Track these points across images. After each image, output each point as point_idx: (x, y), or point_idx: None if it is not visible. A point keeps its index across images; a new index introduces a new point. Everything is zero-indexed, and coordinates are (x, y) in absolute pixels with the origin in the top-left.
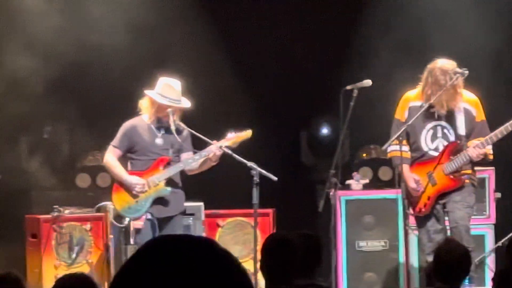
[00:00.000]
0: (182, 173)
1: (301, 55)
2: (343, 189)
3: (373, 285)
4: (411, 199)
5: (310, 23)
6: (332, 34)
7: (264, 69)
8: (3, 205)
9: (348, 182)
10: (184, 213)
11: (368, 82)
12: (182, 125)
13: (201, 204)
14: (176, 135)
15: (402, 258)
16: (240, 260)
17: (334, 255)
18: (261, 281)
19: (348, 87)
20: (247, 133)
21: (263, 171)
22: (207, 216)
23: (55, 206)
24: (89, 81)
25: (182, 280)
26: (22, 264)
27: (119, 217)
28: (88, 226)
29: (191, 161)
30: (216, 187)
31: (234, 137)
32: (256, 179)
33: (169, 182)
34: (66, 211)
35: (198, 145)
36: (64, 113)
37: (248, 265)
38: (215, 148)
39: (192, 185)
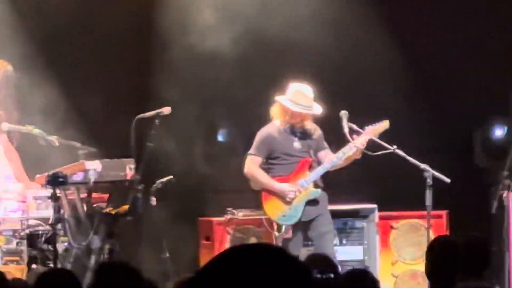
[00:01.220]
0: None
1: (474, 54)
2: None
3: None
4: None
5: (484, 21)
6: (508, 32)
7: (436, 69)
8: (177, 208)
9: None
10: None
11: None
12: (314, 125)
13: (375, 206)
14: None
15: None
16: (413, 262)
17: (508, 257)
18: None
19: None
20: (385, 124)
21: (436, 173)
22: (380, 218)
23: (228, 209)
24: (266, 80)
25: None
26: (195, 267)
27: (278, 226)
28: (261, 228)
29: (336, 160)
30: (390, 189)
31: (373, 130)
32: (429, 181)
33: (315, 184)
34: (240, 214)
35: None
36: (238, 116)
37: (422, 267)
38: (359, 144)
39: (366, 187)
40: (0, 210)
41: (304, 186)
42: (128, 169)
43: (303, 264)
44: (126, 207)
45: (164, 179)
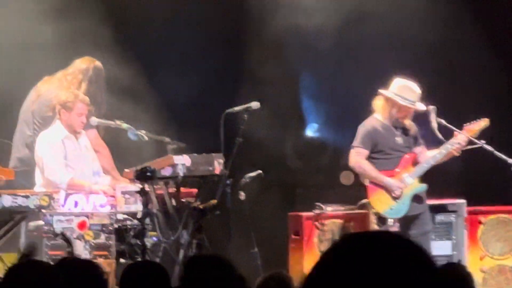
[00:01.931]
0: None
1: None
2: None
3: None
4: None
5: None
6: None
7: None
8: (266, 202)
9: None
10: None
11: None
12: (410, 121)
13: (464, 201)
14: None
15: None
16: (501, 257)
17: None
18: None
19: None
20: (485, 122)
21: None
22: (469, 213)
23: (317, 203)
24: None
25: (378, 276)
26: (285, 261)
27: (381, 219)
28: (351, 223)
29: (439, 155)
30: (478, 184)
31: (473, 128)
32: None
33: (420, 178)
34: (329, 208)
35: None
36: (330, 111)
37: (510, 262)
38: (461, 141)
39: (454, 182)
40: (89, 205)
41: (410, 180)
42: (217, 164)
43: (427, 252)
44: (214, 201)
45: (253, 174)
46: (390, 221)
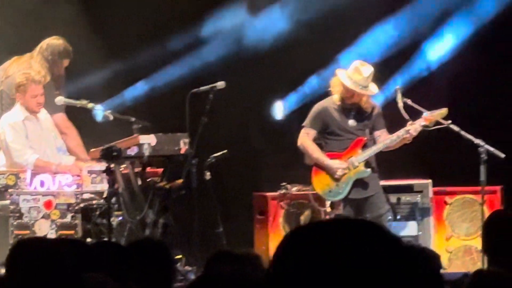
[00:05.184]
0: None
1: None
2: None
3: None
4: None
5: None
6: None
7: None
8: (231, 182)
9: None
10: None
11: None
12: (372, 104)
13: (429, 181)
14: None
15: None
16: (467, 238)
17: None
18: None
19: None
20: (443, 112)
21: (491, 148)
22: (435, 193)
23: (282, 184)
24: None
25: (343, 262)
26: (250, 241)
27: (331, 202)
28: (315, 203)
29: (389, 142)
30: (444, 164)
31: (430, 117)
32: (483, 156)
33: (366, 163)
34: (294, 189)
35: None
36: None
37: (476, 243)
38: (412, 131)
39: (420, 162)
40: (56, 184)
41: (354, 164)
42: (183, 144)
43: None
44: (180, 181)
45: (219, 154)
46: (328, 203)
